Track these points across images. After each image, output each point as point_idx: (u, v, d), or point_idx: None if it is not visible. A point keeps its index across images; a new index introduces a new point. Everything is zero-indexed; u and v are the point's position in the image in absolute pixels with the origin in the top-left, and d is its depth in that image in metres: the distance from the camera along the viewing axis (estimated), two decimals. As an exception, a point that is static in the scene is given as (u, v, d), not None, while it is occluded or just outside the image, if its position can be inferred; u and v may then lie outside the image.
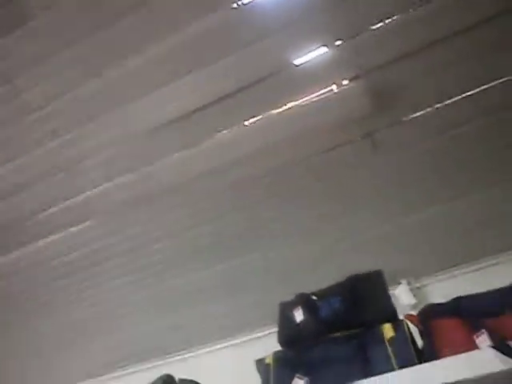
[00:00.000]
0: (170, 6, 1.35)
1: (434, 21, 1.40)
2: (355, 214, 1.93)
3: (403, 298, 2.23)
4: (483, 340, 1.13)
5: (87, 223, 2.01)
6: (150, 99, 1.56)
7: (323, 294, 1.58)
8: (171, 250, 2.08)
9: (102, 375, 3.09)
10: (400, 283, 2.28)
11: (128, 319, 2.61)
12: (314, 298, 1.59)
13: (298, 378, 1.30)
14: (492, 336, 1.12)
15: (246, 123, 1.64)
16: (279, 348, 1.48)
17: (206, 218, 1.93)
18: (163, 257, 2.10)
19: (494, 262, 2.27)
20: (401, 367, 1.17)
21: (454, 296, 1.73)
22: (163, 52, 1.43)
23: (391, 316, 1.38)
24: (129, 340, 2.86)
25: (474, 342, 1.15)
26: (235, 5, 1.36)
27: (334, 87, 1.55)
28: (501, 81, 1.57)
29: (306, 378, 1.28)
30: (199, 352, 2.72)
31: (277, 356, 1.42)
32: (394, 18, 1.40)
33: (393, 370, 1.18)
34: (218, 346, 2.61)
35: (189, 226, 1.97)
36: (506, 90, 1.59)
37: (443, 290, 2.26)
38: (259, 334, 2.37)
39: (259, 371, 1.44)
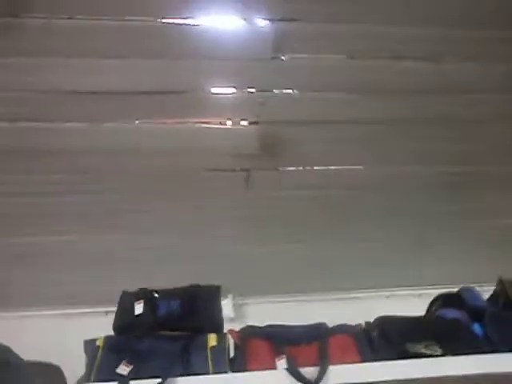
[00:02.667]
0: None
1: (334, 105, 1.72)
2: (214, 230, 2.15)
3: (225, 310, 2.51)
4: (281, 363, 1.44)
5: None
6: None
7: (165, 294, 1.74)
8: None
9: None
10: (227, 297, 2.56)
11: None
12: (156, 295, 1.75)
13: (124, 364, 1.42)
14: (289, 360, 1.43)
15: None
16: (110, 332, 1.59)
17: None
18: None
19: (311, 298, 2.71)
20: (214, 373, 1.41)
21: (269, 319, 2.08)
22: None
23: (218, 328, 1.62)
24: None
25: (275, 363, 1.45)
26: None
27: (229, 123, 1.76)
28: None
29: (132, 366, 1.41)
30: (24, 314, 2.56)
31: (108, 341, 1.52)
32: (296, 91, 1.69)
33: (208, 374, 1.40)
34: (48, 313, 2.49)
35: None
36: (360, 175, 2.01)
37: (261, 312, 2.61)
38: (91, 310, 2.38)
39: (86, 351, 1.52)
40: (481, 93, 1.75)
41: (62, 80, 1.57)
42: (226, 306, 2.61)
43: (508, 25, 1.59)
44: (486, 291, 1.95)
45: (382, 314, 1.76)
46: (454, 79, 1.70)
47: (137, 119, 1.71)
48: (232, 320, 2.64)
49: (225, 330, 1.64)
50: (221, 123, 1.74)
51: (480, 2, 1.57)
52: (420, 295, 2.71)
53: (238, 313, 2.64)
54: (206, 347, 1.52)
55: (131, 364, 1.43)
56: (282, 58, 1.59)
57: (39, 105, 1.62)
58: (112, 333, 1.58)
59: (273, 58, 1.58)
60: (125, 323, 1.59)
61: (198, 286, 1.81)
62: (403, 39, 1.59)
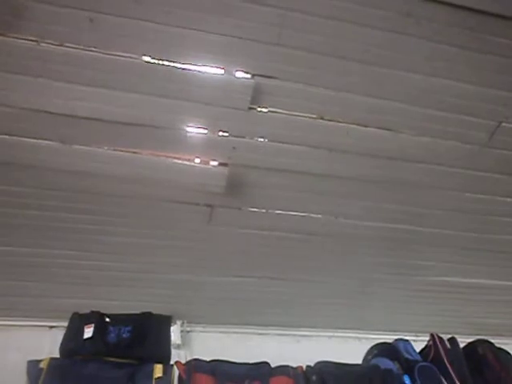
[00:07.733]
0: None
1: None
2: (171, 258, 2.20)
3: (173, 336, 2.53)
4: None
5: None
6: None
7: (116, 320, 1.75)
8: None
9: None
10: (175, 323, 2.59)
11: None
12: (108, 319, 1.76)
13: (67, 390, 1.43)
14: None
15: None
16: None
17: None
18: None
19: (254, 331, 2.78)
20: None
21: (214, 348, 2.11)
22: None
23: (165, 359, 1.66)
24: None
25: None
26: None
27: (199, 161, 1.84)
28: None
29: (75, 392, 1.43)
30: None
31: (53, 364, 1.52)
32: (267, 141, 1.80)
33: (151, 404, 1.44)
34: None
35: None
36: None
37: (207, 340, 2.66)
38: (37, 323, 2.33)
39: (29, 372, 1.51)
40: (429, 163, 1.94)
41: (42, 100, 1.60)
42: (174, 333, 2.64)
43: (457, 108, 1.79)
44: (420, 341, 2.11)
45: (323, 354, 1.87)
46: (409, 149, 1.88)
47: (110, 146, 1.75)
48: (178, 347, 2.67)
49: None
50: (191, 160, 1.82)
51: (441, 85, 1.74)
52: (360, 339, 2.86)
53: (185, 339, 2.67)
54: (152, 378, 1.56)
55: (75, 389, 1.44)
56: (258, 109, 1.70)
57: (17, 120, 1.64)
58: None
59: (250, 109, 1.68)
60: (72, 347, 1.60)
61: (149, 314, 1.84)
62: (369, 108, 1.74)
